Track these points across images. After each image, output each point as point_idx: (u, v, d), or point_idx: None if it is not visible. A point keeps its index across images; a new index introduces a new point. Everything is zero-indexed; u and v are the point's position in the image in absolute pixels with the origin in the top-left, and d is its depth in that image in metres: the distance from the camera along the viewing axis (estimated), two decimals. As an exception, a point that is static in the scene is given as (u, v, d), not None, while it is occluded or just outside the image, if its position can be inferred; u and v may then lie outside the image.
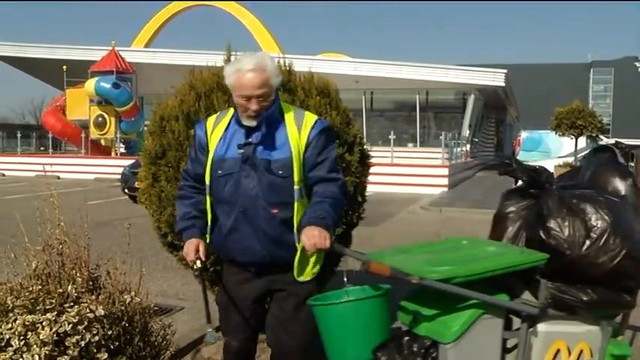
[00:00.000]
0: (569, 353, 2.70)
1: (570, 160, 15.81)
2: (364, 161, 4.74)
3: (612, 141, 18.93)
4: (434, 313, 2.58)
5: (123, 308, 2.80)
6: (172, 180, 4.19)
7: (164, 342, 3.20)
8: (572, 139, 14.78)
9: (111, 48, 25.54)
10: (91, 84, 24.26)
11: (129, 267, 3.15)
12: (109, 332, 2.61)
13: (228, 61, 4.59)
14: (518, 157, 26.38)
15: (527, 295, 2.75)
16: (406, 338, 2.65)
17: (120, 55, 25.60)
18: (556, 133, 15.19)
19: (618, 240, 2.67)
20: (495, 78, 25.82)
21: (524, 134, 28.61)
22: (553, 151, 22.97)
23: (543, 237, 2.70)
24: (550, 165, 16.37)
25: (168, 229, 4.26)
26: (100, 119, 24.97)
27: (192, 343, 4.77)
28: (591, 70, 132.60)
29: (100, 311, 2.56)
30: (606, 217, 2.70)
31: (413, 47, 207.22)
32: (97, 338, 2.51)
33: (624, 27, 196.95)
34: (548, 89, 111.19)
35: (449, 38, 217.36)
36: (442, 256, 2.78)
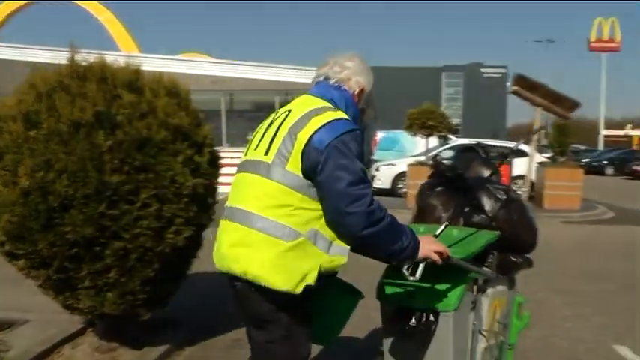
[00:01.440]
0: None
1: (422, 158, 16.52)
2: (214, 163, 4.70)
3: (474, 141, 19.97)
4: (433, 288, 2.81)
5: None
6: (10, 184, 3.94)
7: (-2, 358, 2.99)
8: (423, 138, 15.42)
9: (-55, 41, 23.67)
10: None
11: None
12: None
13: (72, 59, 4.39)
14: (374, 157, 27.31)
15: None
16: (405, 312, 2.88)
17: (-43, 50, 23.78)
18: (409, 133, 15.81)
19: (532, 219, 3.63)
20: (352, 79, 26.51)
21: (380, 134, 29.59)
22: (408, 150, 23.92)
23: (489, 221, 3.38)
24: (405, 163, 17.06)
25: (4, 237, 4.00)
26: None
27: (37, 356, 4.53)
28: (443, 73, 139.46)
29: None
30: (520, 203, 3.60)
31: (276, 49, 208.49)
32: None
33: (473, 33, 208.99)
34: (404, 91, 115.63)
35: (311, 40, 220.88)
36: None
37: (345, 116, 2.51)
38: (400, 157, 20.94)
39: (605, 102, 62.71)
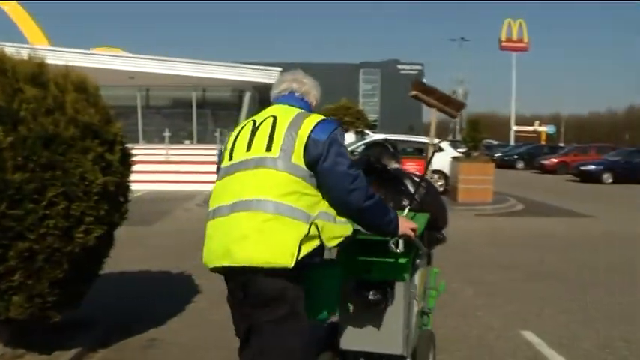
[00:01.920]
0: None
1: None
2: (126, 160, 4.57)
3: (383, 136, 20.51)
4: (390, 262, 3.26)
5: None
6: None
7: None
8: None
9: None
10: None
11: None
12: None
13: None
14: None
15: None
16: (363, 286, 3.33)
17: None
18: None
19: (444, 202, 4.35)
20: (271, 76, 26.38)
21: (298, 131, 29.68)
22: (326, 146, 24.16)
23: (418, 205, 3.90)
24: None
25: None
26: None
27: None
28: (360, 70, 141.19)
29: None
30: (436, 188, 4.23)
31: (194, 45, 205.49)
32: None
33: (390, 31, 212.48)
34: (323, 87, 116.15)
35: (229, 37, 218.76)
36: None
37: (325, 117, 2.97)
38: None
39: (516, 99, 64.95)
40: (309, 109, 3.16)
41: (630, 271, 8.29)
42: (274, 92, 3.24)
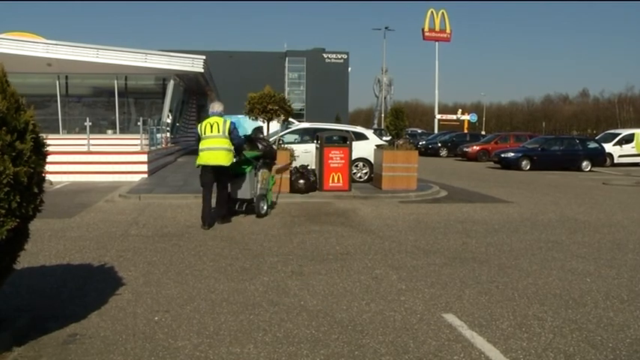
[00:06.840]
0: None
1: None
2: (39, 150, 4.40)
3: (309, 125, 20.50)
4: (244, 167, 12.27)
5: None
6: None
7: None
8: (264, 122, 15.35)
9: None
10: None
11: None
12: None
13: None
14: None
15: None
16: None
17: None
18: (249, 118, 15.64)
19: (274, 149, 13.19)
20: (194, 64, 26.04)
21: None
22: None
23: (264, 150, 12.53)
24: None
25: None
26: None
27: None
28: (286, 58, 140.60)
29: None
30: (270, 144, 13.16)
31: (115, 33, 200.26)
32: None
33: (316, 17, 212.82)
34: (248, 75, 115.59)
35: (153, 24, 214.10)
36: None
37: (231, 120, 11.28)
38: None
39: (439, 88, 66.25)
40: (223, 115, 10.81)
41: (544, 254, 8.64)
42: (214, 111, 10.88)
